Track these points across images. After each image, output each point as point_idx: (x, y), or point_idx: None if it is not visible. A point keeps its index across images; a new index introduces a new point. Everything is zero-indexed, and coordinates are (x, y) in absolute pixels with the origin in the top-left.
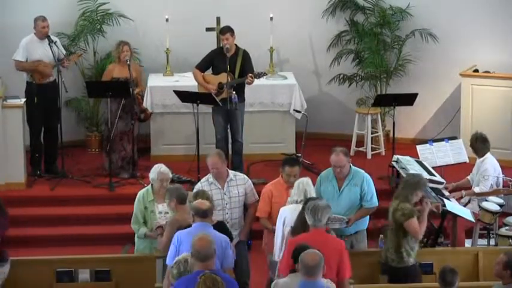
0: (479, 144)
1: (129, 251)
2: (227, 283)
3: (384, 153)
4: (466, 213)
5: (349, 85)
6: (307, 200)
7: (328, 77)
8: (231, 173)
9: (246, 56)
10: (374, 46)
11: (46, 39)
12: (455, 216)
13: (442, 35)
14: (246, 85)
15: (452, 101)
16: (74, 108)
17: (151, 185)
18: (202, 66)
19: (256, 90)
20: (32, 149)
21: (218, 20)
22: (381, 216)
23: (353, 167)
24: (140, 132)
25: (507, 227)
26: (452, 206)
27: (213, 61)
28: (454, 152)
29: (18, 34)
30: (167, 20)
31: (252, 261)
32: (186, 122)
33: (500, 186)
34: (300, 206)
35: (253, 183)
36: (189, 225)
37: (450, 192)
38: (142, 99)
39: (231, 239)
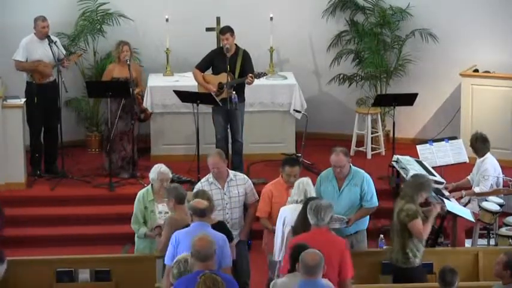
0: (479, 144)
1: (129, 251)
2: (227, 283)
3: (384, 153)
4: (466, 213)
5: (349, 85)
6: (307, 200)
7: (328, 77)
8: (231, 173)
9: (246, 56)
10: (374, 46)
11: (46, 39)
12: (455, 216)
13: (442, 35)
14: (246, 85)
15: (452, 101)
16: (74, 108)
17: (151, 185)
18: (202, 66)
19: (256, 90)
20: (32, 149)
21: (218, 20)
22: (381, 216)
23: (353, 167)
24: (140, 132)
25: (507, 227)
26: (452, 206)
27: (213, 61)
28: (454, 152)
29: (18, 34)
30: (167, 20)
31: (252, 261)
32: (186, 122)
33: (500, 186)
34: (300, 206)
35: (253, 183)
36: (187, 225)
37: (450, 192)
38: (142, 99)
39: (231, 239)
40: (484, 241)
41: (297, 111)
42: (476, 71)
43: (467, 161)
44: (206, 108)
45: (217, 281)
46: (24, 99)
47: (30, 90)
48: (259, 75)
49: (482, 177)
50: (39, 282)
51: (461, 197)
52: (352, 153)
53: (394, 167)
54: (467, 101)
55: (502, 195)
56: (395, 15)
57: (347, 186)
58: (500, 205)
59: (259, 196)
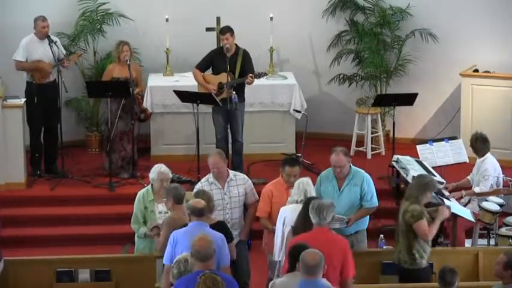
0: (480, 144)
1: (129, 251)
2: (227, 283)
3: (384, 153)
4: (466, 213)
5: (349, 85)
6: (308, 200)
7: (328, 77)
8: (231, 173)
9: (246, 55)
10: (374, 46)
11: (46, 39)
12: (455, 216)
13: (442, 35)
14: (246, 85)
15: (452, 101)
16: (74, 108)
17: (151, 185)
18: (202, 66)
19: (256, 90)
20: (32, 149)
21: (218, 20)
22: (381, 216)
23: (353, 167)
24: (140, 132)
25: (507, 227)
26: (452, 206)
27: (213, 61)
28: (454, 152)
29: (18, 34)
30: (167, 20)
31: (252, 261)
32: (186, 122)
33: (500, 186)
34: (300, 206)
35: (253, 183)
36: (186, 225)
37: (450, 192)
38: (142, 99)
39: (232, 239)
40: (484, 241)
41: (297, 111)
42: (476, 71)
43: (467, 161)
44: (206, 108)
45: (217, 281)
46: (24, 99)
47: (30, 90)
48: (259, 75)
49: (482, 177)
50: (39, 282)
51: (461, 197)
52: (352, 153)
53: (394, 167)
54: (467, 101)
55: (502, 195)
56: (395, 15)
57: (347, 186)
58: (500, 205)
59: (259, 196)
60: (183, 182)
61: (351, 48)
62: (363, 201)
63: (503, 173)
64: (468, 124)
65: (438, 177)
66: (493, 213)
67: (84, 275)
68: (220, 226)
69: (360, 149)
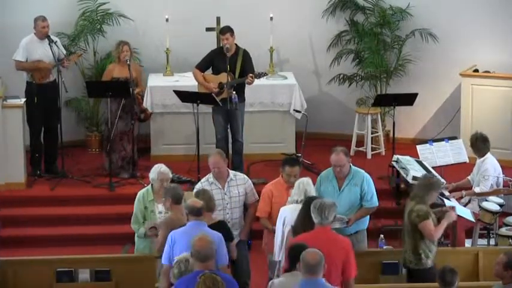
0: (480, 144)
1: (129, 251)
2: (227, 283)
3: (384, 153)
4: (466, 213)
5: (349, 85)
6: (307, 199)
7: (328, 77)
8: (231, 172)
9: (246, 55)
10: (374, 46)
11: (46, 39)
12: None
13: (442, 35)
14: (246, 85)
15: (452, 101)
16: (74, 108)
17: (151, 185)
18: (202, 66)
19: (256, 90)
20: (32, 149)
21: (218, 20)
22: (381, 216)
23: (353, 166)
24: (140, 132)
25: (507, 227)
26: (453, 206)
27: (213, 61)
28: (454, 152)
29: (18, 34)
30: (167, 20)
31: (252, 261)
32: (186, 122)
33: (501, 186)
34: (300, 206)
35: (253, 183)
36: (184, 225)
37: (450, 192)
38: (142, 99)
39: (232, 239)
40: (484, 241)
41: (297, 111)
42: (476, 71)
43: (467, 161)
44: (206, 108)
45: (217, 281)
46: (24, 99)
47: (30, 90)
48: (259, 75)
49: (483, 177)
50: (39, 282)
51: (462, 197)
52: (352, 153)
53: (394, 167)
54: (467, 101)
55: (502, 195)
56: (395, 15)
57: (347, 186)
58: (500, 205)
59: (259, 196)
60: (183, 182)
61: (351, 48)
62: (363, 201)
63: (503, 173)
64: (468, 124)
65: (438, 177)
66: (493, 213)
67: (84, 275)
68: (221, 226)
69: (360, 149)
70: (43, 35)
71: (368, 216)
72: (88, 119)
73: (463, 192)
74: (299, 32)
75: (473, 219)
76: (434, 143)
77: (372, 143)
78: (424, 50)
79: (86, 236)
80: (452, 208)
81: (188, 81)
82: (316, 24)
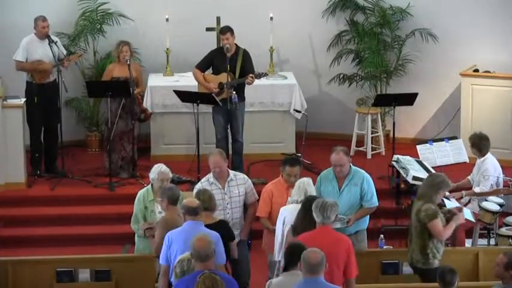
0: (483, 143)
1: (129, 251)
2: (227, 283)
3: (383, 153)
4: (466, 213)
5: (349, 85)
6: (307, 198)
7: (328, 77)
8: (231, 172)
9: (246, 55)
10: (374, 46)
11: (46, 39)
12: None
13: (442, 35)
14: (246, 85)
15: (452, 101)
16: (74, 108)
17: (151, 184)
18: (202, 66)
19: (256, 90)
20: (32, 149)
21: (218, 20)
22: (381, 216)
23: (353, 166)
24: (140, 132)
25: (507, 227)
26: (453, 206)
27: (213, 61)
28: (454, 152)
29: (18, 34)
30: (167, 20)
31: (252, 261)
32: (186, 122)
33: (501, 186)
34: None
35: (253, 183)
36: (179, 226)
37: (450, 192)
38: (143, 99)
39: (233, 238)
40: (484, 241)
41: (297, 111)
42: (476, 71)
43: (467, 161)
44: (206, 108)
45: (217, 281)
46: (24, 99)
47: (30, 90)
48: (260, 76)
49: (483, 177)
50: (39, 282)
51: (462, 197)
52: (352, 153)
53: (394, 167)
54: (467, 101)
55: (502, 195)
56: (395, 15)
57: (347, 186)
58: (500, 205)
59: (259, 196)
60: (183, 182)
61: (351, 48)
62: (363, 201)
63: (503, 173)
64: (468, 124)
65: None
66: (493, 213)
67: (84, 275)
68: (221, 225)
69: (360, 149)
70: (43, 35)
71: (368, 216)
72: (88, 118)
73: (463, 192)
74: (299, 32)
75: (473, 219)
76: (434, 143)
77: (372, 143)
78: (424, 50)
79: (86, 236)
80: (461, 210)
81: (188, 81)
82: (316, 24)
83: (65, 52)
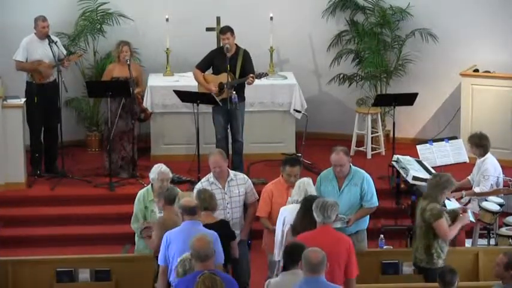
0: (484, 142)
1: (129, 251)
2: (227, 283)
3: (384, 153)
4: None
5: (349, 85)
6: (306, 198)
7: (328, 77)
8: (232, 172)
9: (246, 55)
10: (374, 46)
11: (46, 39)
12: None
13: (442, 35)
14: (246, 85)
15: (452, 101)
16: (74, 108)
17: (152, 184)
18: (202, 66)
19: (257, 90)
20: (32, 149)
21: (218, 20)
22: (381, 216)
23: (353, 166)
24: (140, 132)
25: (507, 227)
26: (453, 206)
27: (213, 61)
28: (454, 152)
29: (18, 34)
30: (167, 20)
31: (252, 261)
32: (186, 122)
33: (501, 186)
34: None
35: (253, 183)
36: (177, 226)
37: (450, 192)
38: (143, 99)
39: (234, 238)
40: (484, 241)
41: (297, 111)
42: (476, 71)
43: (467, 161)
44: (206, 108)
45: (216, 281)
46: (24, 99)
47: (30, 90)
48: (260, 76)
49: (483, 177)
50: (39, 282)
51: (462, 197)
52: (352, 153)
53: (394, 167)
54: (467, 101)
55: (502, 195)
56: (395, 15)
57: (347, 186)
58: (500, 205)
59: (259, 196)
60: (183, 182)
61: (351, 48)
62: (363, 201)
63: (503, 173)
64: (468, 124)
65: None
66: (493, 213)
67: (84, 275)
68: (222, 225)
69: (360, 149)
70: (43, 35)
71: (368, 216)
72: (88, 118)
73: (463, 192)
74: (299, 32)
75: (473, 219)
76: (434, 143)
77: (372, 143)
78: (424, 50)
79: (86, 236)
80: (465, 211)
81: (188, 81)
82: (316, 24)
83: (65, 52)
